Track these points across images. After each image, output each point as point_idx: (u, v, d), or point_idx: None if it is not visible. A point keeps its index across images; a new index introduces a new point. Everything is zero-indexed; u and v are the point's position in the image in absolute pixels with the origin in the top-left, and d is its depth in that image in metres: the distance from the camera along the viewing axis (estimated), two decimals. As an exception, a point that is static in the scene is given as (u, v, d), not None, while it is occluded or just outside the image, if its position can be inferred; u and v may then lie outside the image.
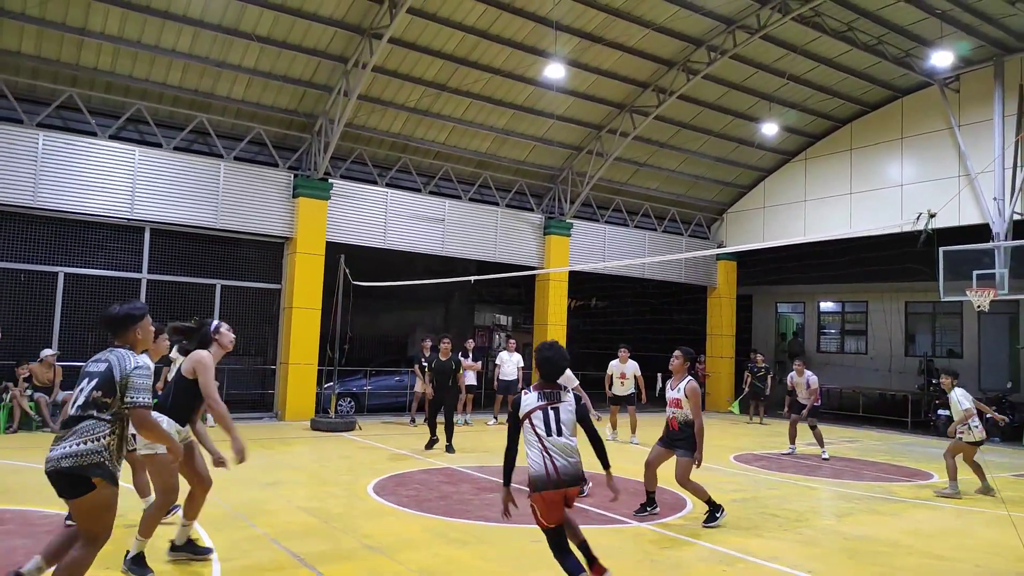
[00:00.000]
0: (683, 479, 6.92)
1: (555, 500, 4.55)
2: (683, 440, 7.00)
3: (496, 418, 14.86)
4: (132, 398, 3.84)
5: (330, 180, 14.76)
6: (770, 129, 17.25)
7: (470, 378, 14.81)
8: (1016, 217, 14.62)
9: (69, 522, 5.24)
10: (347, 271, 13.83)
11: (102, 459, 3.77)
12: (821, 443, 11.70)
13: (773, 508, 7.78)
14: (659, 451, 7.29)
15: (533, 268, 17.51)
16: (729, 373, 20.87)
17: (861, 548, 6.30)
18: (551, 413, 4.64)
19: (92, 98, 12.86)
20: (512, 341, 15.62)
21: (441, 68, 14.48)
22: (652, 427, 14.37)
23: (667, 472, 9.12)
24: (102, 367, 3.91)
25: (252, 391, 14.86)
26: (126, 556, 4.90)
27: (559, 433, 4.62)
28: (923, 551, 6.30)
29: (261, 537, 5.89)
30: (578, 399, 4.83)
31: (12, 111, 12.10)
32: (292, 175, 14.49)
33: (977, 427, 8.88)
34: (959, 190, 15.20)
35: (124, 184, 12.86)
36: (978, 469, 8.93)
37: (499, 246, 17.27)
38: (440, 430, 11.02)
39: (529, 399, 4.70)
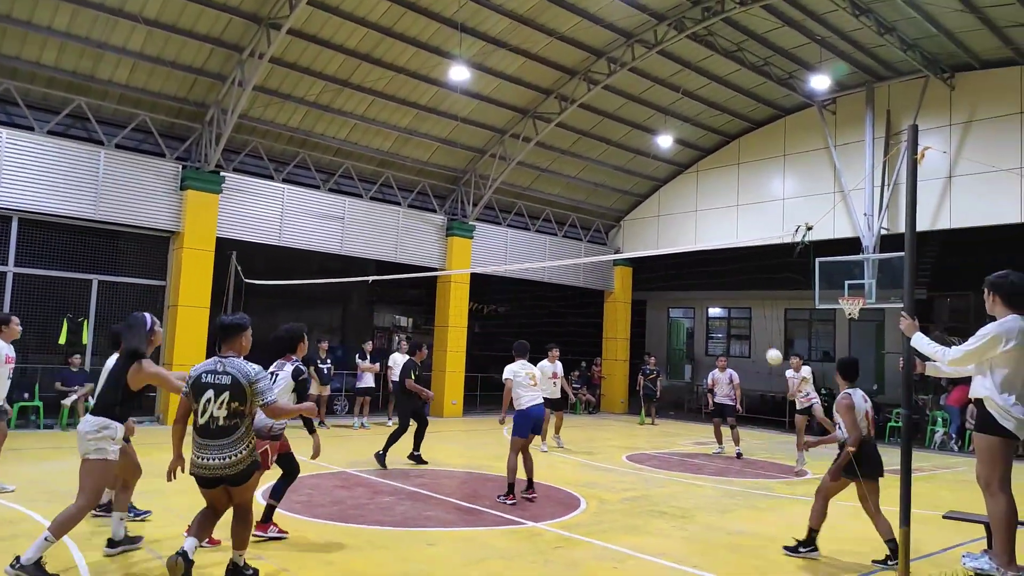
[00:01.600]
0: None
1: None
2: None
3: (391, 419, 14.67)
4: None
5: (222, 173, 14.14)
6: (665, 141, 17.94)
7: (368, 380, 14.56)
8: (883, 231, 15.86)
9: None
10: (239, 268, 13.28)
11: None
12: (737, 441, 12.37)
13: (662, 506, 8.07)
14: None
15: (435, 269, 17.42)
16: (624, 375, 21.51)
17: (743, 543, 6.63)
18: None
19: (-48, 73, 11.76)
20: (404, 343, 15.42)
21: (343, 63, 14.17)
22: (570, 427, 14.63)
23: (558, 471, 9.26)
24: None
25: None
26: (19, 559, 4.53)
27: None
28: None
29: (137, 549, 5.54)
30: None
31: None
32: (180, 166, 13.77)
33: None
34: (834, 205, 16.35)
35: (-12, 169, 11.82)
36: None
37: (400, 246, 17.07)
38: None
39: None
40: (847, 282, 14.97)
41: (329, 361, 14.33)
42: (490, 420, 16.97)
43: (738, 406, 12.66)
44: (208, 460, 4.53)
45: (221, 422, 4.53)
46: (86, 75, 12.66)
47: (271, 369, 5.89)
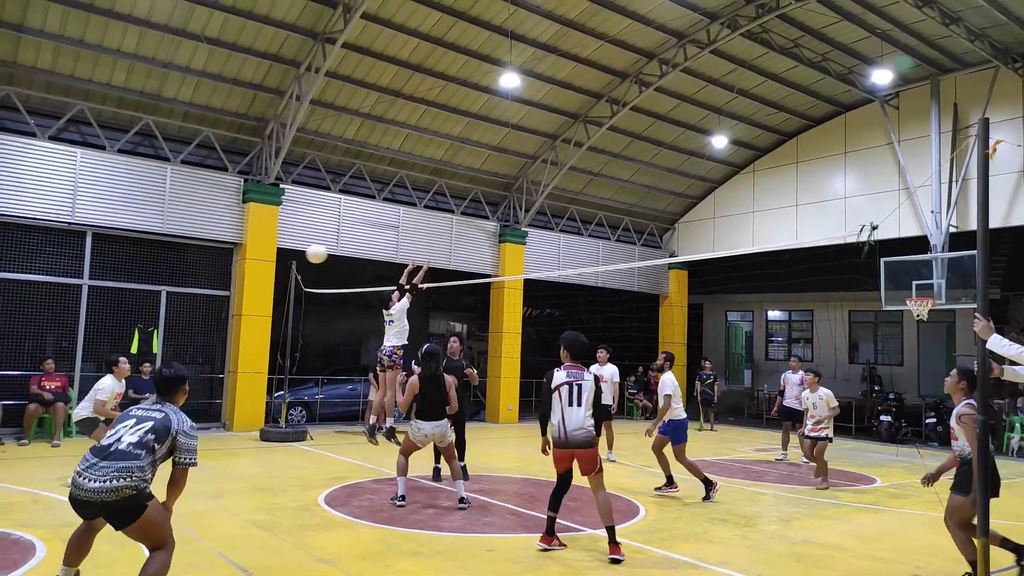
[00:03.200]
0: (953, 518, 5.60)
1: (561, 456, 6.15)
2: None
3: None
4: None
5: (281, 185, 14.52)
6: (720, 141, 17.64)
7: None
8: (952, 230, 15.24)
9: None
10: (299, 278, 13.60)
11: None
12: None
13: (722, 514, 7.90)
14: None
15: (488, 276, 17.51)
16: (681, 380, 21.10)
17: (807, 552, 6.44)
18: (575, 388, 6.12)
19: (31, 97, 12.40)
20: (455, 343, 15.32)
21: (396, 74, 14.40)
22: (627, 433, 14.48)
23: (615, 477, 9.21)
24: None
25: (199, 401, 14.45)
26: None
27: (577, 404, 6.09)
28: (866, 554, 6.47)
29: (206, 551, 5.72)
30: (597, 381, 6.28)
31: (-56, 109, 11.59)
32: (242, 180, 14.20)
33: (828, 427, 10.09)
34: (899, 204, 15.79)
35: (65, 187, 12.42)
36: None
37: (454, 253, 17.22)
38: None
39: (559, 376, 6.18)
40: (915, 283, 14.41)
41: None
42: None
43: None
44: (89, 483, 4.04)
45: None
46: (153, 94, 13.19)
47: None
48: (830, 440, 10.14)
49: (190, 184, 13.65)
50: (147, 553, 4.27)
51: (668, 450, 8.93)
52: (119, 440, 4.16)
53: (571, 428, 6.04)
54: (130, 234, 13.17)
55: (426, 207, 16.93)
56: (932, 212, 15.48)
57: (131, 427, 4.22)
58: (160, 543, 4.22)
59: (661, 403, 8.96)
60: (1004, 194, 14.63)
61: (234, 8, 12.27)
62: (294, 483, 8.74)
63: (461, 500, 7.55)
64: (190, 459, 4.32)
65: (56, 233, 12.61)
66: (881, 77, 15.05)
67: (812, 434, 10.08)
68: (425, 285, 15.76)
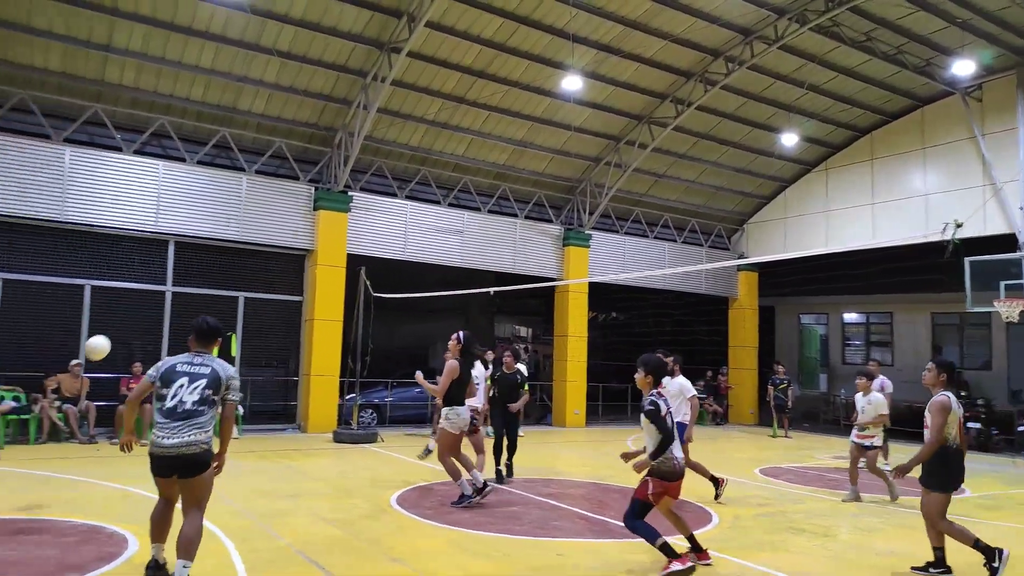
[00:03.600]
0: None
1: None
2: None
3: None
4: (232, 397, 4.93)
5: (350, 193, 14.87)
6: (790, 139, 17.16)
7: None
8: (1043, 226, 14.39)
9: None
10: (368, 283, 13.89)
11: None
12: (886, 455, 11.53)
13: (800, 522, 7.66)
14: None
15: (552, 279, 17.48)
16: (752, 385, 20.66)
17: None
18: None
19: (117, 113, 13.06)
20: (509, 357, 15.30)
21: (459, 81, 14.56)
22: (697, 439, 14.22)
23: (685, 484, 9.07)
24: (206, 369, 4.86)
25: (275, 402, 14.94)
26: None
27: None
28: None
29: (286, 548, 5.88)
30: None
31: (40, 127, 12.33)
32: (313, 188, 14.61)
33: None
34: (984, 200, 15.02)
35: (149, 198, 13.04)
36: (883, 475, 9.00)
37: (518, 257, 17.27)
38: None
39: (662, 403, 5.68)
40: (1003, 283, 13.64)
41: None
42: (613, 430, 16.79)
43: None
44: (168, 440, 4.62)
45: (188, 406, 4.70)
46: (229, 107, 13.72)
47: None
48: (879, 448, 9.21)
49: (264, 193, 14.13)
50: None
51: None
52: (181, 401, 4.66)
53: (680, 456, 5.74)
54: (209, 242, 13.73)
55: (490, 211, 17.04)
56: (1021, 208, 14.66)
57: (187, 386, 4.71)
58: (201, 503, 4.76)
59: (692, 404, 8.77)
60: (1102, 187, 13.74)
61: (303, 21, 12.66)
62: (367, 484, 8.91)
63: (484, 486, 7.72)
64: (237, 396, 4.95)
65: (141, 242, 13.25)
66: (962, 68, 14.35)
67: (857, 440, 9.16)
68: (492, 289, 15.92)
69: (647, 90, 15.97)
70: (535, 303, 25.77)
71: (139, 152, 13.16)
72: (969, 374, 18.73)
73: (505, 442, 9.52)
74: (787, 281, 22.43)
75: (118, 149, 12.94)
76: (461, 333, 8.02)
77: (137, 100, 13.08)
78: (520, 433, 13.62)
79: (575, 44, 13.89)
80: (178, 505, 4.86)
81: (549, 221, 17.97)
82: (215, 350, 5.12)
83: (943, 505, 5.67)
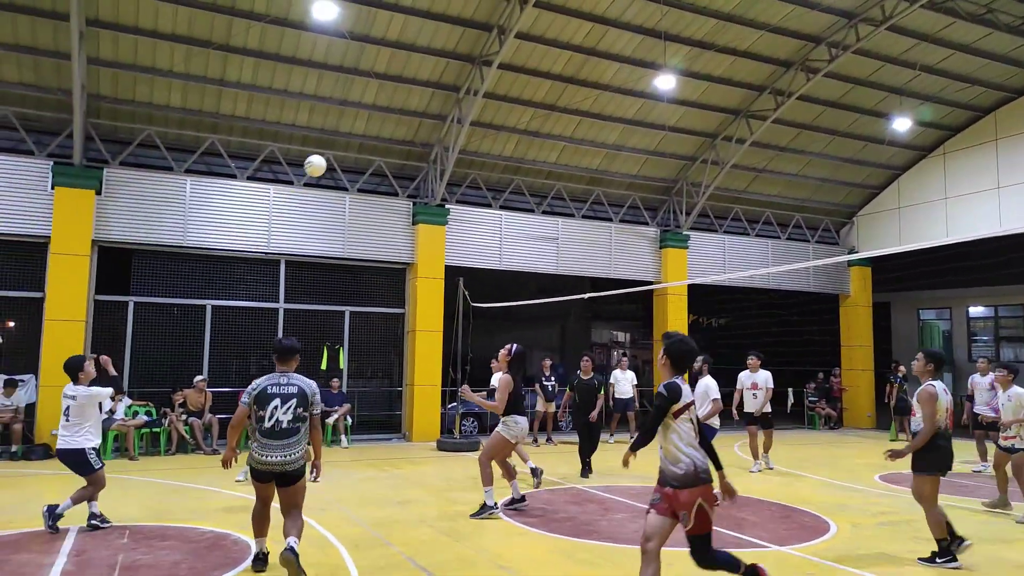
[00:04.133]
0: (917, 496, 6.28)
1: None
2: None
3: (612, 436, 14.64)
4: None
5: (447, 206, 15.19)
6: (902, 124, 16.16)
7: None
8: None
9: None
10: (466, 293, 14.12)
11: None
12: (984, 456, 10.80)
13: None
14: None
15: (650, 283, 17.19)
16: (869, 386, 19.52)
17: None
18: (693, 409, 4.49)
19: (231, 143, 13.91)
20: (625, 359, 15.30)
21: (550, 89, 14.61)
22: (809, 444, 13.66)
23: (797, 490, 8.70)
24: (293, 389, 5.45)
25: (381, 412, 15.44)
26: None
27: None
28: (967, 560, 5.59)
29: (396, 555, 6.05)
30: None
31: (163, 159, 13.31)
32: (411, 203, 15.03)
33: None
34: None
35: (261, 220, 13.80)
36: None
37: (614, 262, 17.10)
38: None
39: (687, 390, 4.43)
40: None
41: (553, 378, 14.68)
42: (718, 436, 16.26)
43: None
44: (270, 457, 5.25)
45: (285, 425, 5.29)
46: (331, 130, 14.34)
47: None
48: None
49: (366, 210, 14.66)
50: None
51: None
52: (277, 421, 5.27)
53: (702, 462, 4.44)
54: (316, 260, 14.38)
55: (584, 217, 16.97)
56: None
57: (281, 407, 5.29)
58: (300, 504, 5.40)
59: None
60: None
61: (398, 42, 13.08)
62: (471, 491, 9.03)
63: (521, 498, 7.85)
64: (320, 408, 5.54)
65: (255, 263, 14.04)
66: (1100, 34, 13.09)
67: (1002, 443, 8.31)
68: (588, 295, 15.85)
69: (744, 83, 15.47)
70: (632, 308, 25.40)
71: (251, 178, 13.96)
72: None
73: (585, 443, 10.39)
74: (903, 275, 21.07)
75: (233, 176, 13.79)
76: (513, 346, 8.10)
77: (248, 129, 13.90)
78: (608, 440, 13.69)
79: (667, 42, 13.65)
80: (275, 505, 5.48)
81: (645, 223, 17.70)
82: (294, 367, 5.63)
83: (935, 487, 6.11)
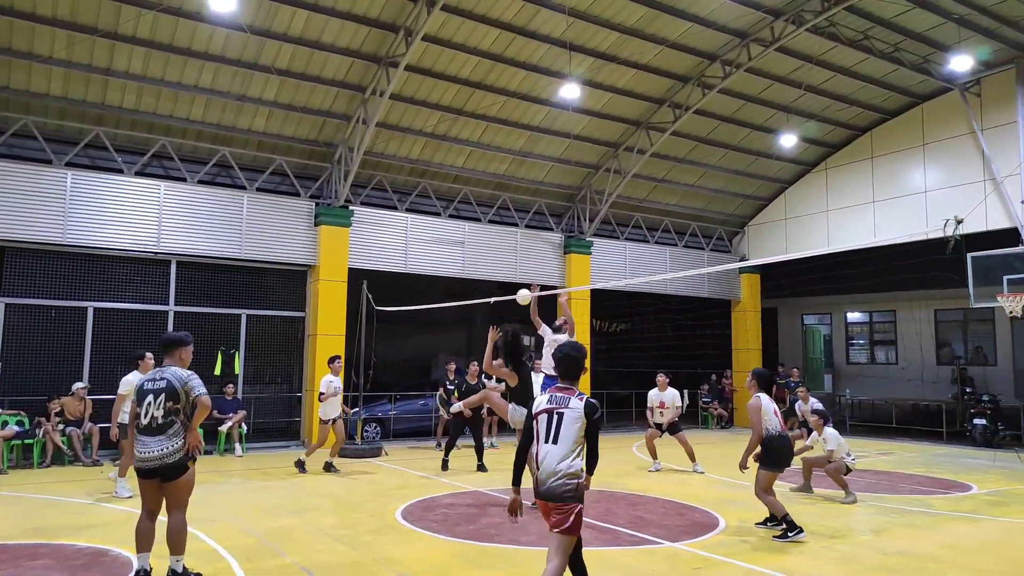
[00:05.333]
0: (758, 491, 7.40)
1: (541, 508, 4.45)
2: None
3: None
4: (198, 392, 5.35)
5: (351, 207, 14.92)
6: (788, 140, 17.16)
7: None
8: (1046, 220, 14.34)
9: None
10: (370, 296, 13.91)
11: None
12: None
13: (809, 525, 7.60)
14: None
15: (554, 287, 17.46)
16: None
17: (901, 564, 6.14)
18: (554, 418, 4.41)
19: (118, 136, 13.15)
20: (537, 362, 15.47)
21: (457, 93, 14.63)
22: (702, 443, 14.15)
23: (690, 488, 9.06)
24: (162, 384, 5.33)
25: (278, 419, 14.95)
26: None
27: (552, 440, 4.38)
28: (966, 566, 6.13)
29: (291, 566, 5.88)
30: (592, 412, 4.41)
31: (41, 151, 12.41)
32: (313, 204, 14.66)
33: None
34: (985, 195, 14.99)
35: (150, 219, 13.10)
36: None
37: (520, 266, 17.28)
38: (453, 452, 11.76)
39: (540, 400, 4.56)
40: (1006, 277, 13.61)
41: (457, 382, 14.64)
42: (617, 438, 16.73)
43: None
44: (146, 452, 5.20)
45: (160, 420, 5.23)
46: (228, 126, 13.80)
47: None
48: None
49: (265, 210, 14.18)
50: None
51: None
52: (153, 417, 5.25)
53: (544, 471, 4.37)
54: (211, 260, 13.78)
55: (490, 222, 17.07)
56: (1022, 202, 14.61)
57: (154, 403, 5.26)
58: (182, 505, 5.31)
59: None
60: (1103, 179, 13.69)
61: (301, 39, 12.74)
62: (372, 498, 8.90)
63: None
64: (201, 391, 5.35)
65: (143, 263, 13.30)
66: (960, 64, 14.35)
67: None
68: (493, 299, 15.95)
69: (645, 96, 16.01)
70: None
71: (140, 173, 13.23)
72: (974, 370, 18.66)
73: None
74: (789, 282, 22.40)
75: (119, 171, 13.02)
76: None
77: (137, 122, 13.18)
78: (493, 444, 13.95)
79: (572, 52, 13.95)
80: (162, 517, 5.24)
81: (550, 229, 17.99)
82: (184, 360, 5.54)
83: (770, 481, 7.31)
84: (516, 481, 4.57)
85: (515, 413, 8.04)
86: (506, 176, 16.97)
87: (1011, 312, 13.46)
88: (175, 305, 13.43)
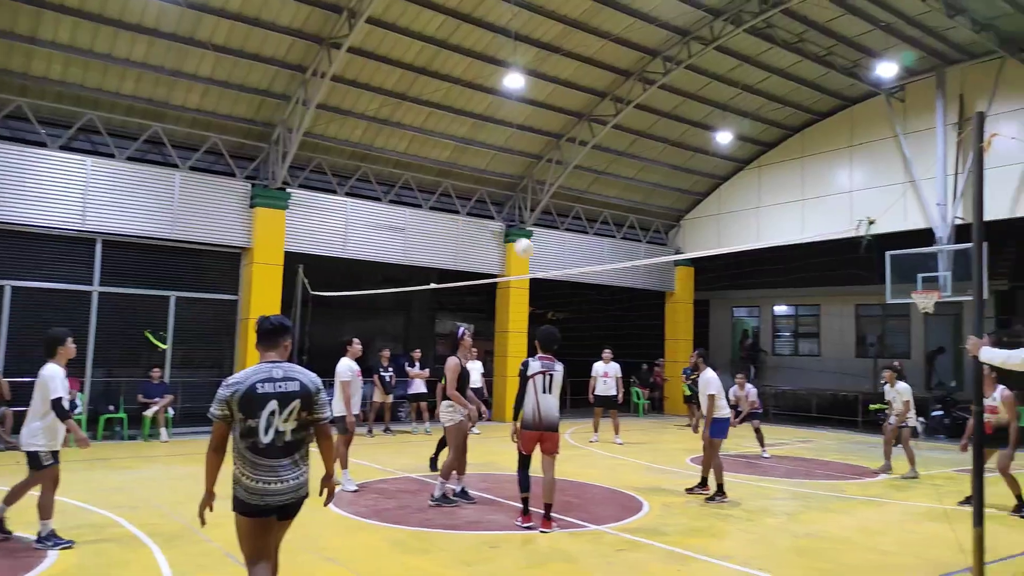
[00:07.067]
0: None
1: (531, 436, 6.75)
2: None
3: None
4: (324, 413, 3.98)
5: (288, 190, 14.66)
6: (724, 138, 17.64)
7: (418, 386, 14.78)
8: (958, 222, 15.17)
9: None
10: (306, 281, 13.74)
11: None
12: (762, 443, 12.37)
13: (727, 508, 7.97)
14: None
15: (494, 276, 17.58)
16: (679, 376, 21.17)
17: (811, 546, 6.50)
18: (547, 378, 6.78)
19: (42, 108, 12.58)
20: (474, 350, 15.58)
21: (401, 77, 14.51)
22: (633, 430, 14.58)
23: (620, 474, 9.30)
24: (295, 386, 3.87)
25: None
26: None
27: (548, 392, 6.77)
28: (870, 546, 6.52)
29: (215, 551, 5.84)
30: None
31: (-44, 120, 11.80)
32: (249, 185, 14.35)
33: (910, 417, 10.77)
34: (903, 196, 15.76)
35: (75, 195, 12.59)
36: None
37: (460, 254, 17.31)
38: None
39: (534, 366, 6.82)
40: (920, 275, 14.38)
41: (391, 369, 14.64)
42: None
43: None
44: (276, 486, 3.75)
45: (288, 437, 3.81)
46: (161, 102, 13.36)
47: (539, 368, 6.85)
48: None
49: (198, 190, 13.81)
50: None
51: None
52: (279, 433, 3.85)
53: (544, 412, 6.69)
54: (140, 240, 13.35)
55: (432, 208, 17.03)
56: (938, 204, 15.42)
57: (280, 412, 3.83)
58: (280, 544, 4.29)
59: (704, 403, 8.76)
60: (1011, 185, 14.56)
61: (240, 15, 12.42)
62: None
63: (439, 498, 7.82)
64: (328, 412, 4.09)
65: (66, 241, 12.79)
66: (886, 70, 15.02)
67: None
68: (432, 285, 15.98)
69: (588, 88, 16.19)
70: (477, 299, 25.83)
71: (65, 148, 12.70)
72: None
73: None
74: (721, 275, 23.10)
75: (43, 145, 12.47)
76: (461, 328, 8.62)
77: (63, 94, 12.62)
78: (427, 430, 14.07)
79: (517, 42, 13.98)
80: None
81: (491, 218, 18.06)
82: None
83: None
84: (515, 418, 6.85)
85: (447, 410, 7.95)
86: (448, 163, 16.94)
87: (923, 308, 14.25)
88: (100, 286, 12.98)
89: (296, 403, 3.83)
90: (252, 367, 3.92)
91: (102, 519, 6.82)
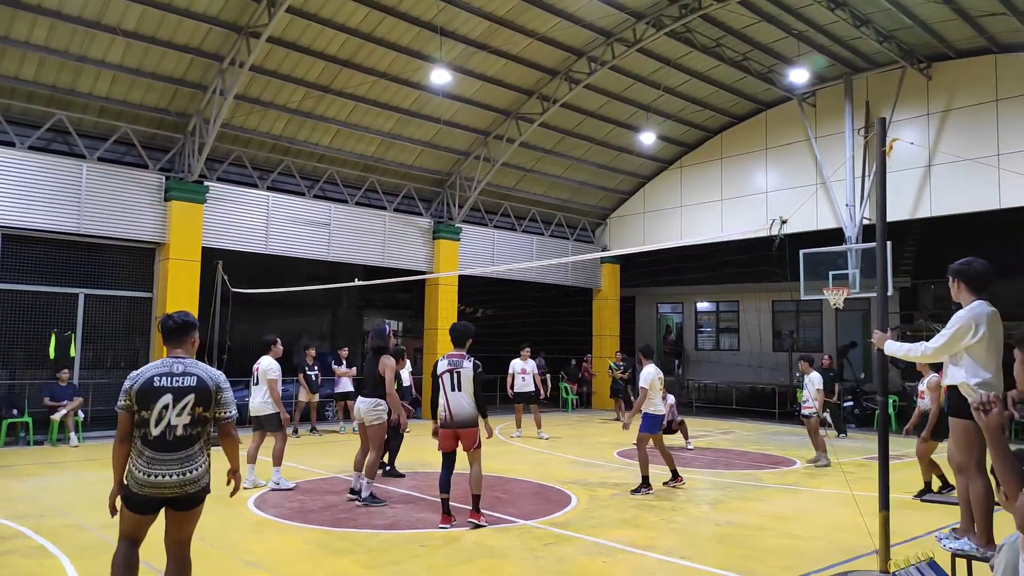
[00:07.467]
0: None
1: (447, 435, 6.79)
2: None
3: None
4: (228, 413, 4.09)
5: (206, 183, 14.13)
6: (648, 138, 18.04)
7: (345, 385, 14.53)
8: (865, 222, 16.01)
9: None
10: (225, 278, 13.28)
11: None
12: (686, 436, 12.62)
13: (651, 499, 8.16)
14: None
15: (423, 272, 17.45)
16: (606, 371, 21.58)
17: (730, 533, 6.72)
18: (455, 376, 6.78)
19: (-70, 91, 11.71)
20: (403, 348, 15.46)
21: (324, 70, 14.19)
22: (560, 424, 14.77)
23: (548, 468, 9.40)
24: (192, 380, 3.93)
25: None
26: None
27: (457, 389, 6.75)
28: (784, 532, 6.80)
29: (130, 560, 5.56)
30: (476, 368, 6.87)
31: None
32: (164, 177, 13.76)
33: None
34: (815, 197, 16.51)
35: (-30, 186, 11.78)
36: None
37: (387, 251, 17.10)
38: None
39: (442, 364, 6.87)
40: (831, 273, 15.11)
41: (317, 368, 14.33)
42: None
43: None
44: (163, 477, 3.88)
45: (180, 432, 3.92)
46: (66, 89, 12.64)
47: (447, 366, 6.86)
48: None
49: (108, 182, 13.14)
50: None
51: (657, 443, 8.98)
52: (170, 426, 3.97)
53: (455, 410, 6.69)
54: (44, 234, 12.60)
55: (358, 204, 16.75)
56: (847, 205, 16.22)
57: (174, 406, 3.94)
58: (190, 539, 4.45)
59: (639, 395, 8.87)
60: (912, 187, 15.47)
61: (152, 0, 11.86)
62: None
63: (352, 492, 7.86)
64: (232, 412, 4.27)
65: (-39, 235, 11.96)
66: (798, 76, 15.69)
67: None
68: (357, 282, 15.72)
69: (515, 86, 16.25)
70: (406, 296, 25.61)
71: (-43, 134, 11.87)
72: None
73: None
74: (646, 272, 23.66)
75: (-69, 130, 11.62)
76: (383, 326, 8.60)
77: (-46, 77, 11.79)
78: (354, 429, 13.94)
79: (443, 38, 13.90)
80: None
81: (419, 214, 17.91)
82: (194, 351, 4.20)
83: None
84: (434, 416, 6.98)
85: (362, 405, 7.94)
86: (374, 158, 16.69)
87: (834, 304, 14.97)
88: (1, 283, 12.18)
89: (190, 398, 3.91)
90: (156, 361, 4.05)
91: (5, 530, 6.41)
